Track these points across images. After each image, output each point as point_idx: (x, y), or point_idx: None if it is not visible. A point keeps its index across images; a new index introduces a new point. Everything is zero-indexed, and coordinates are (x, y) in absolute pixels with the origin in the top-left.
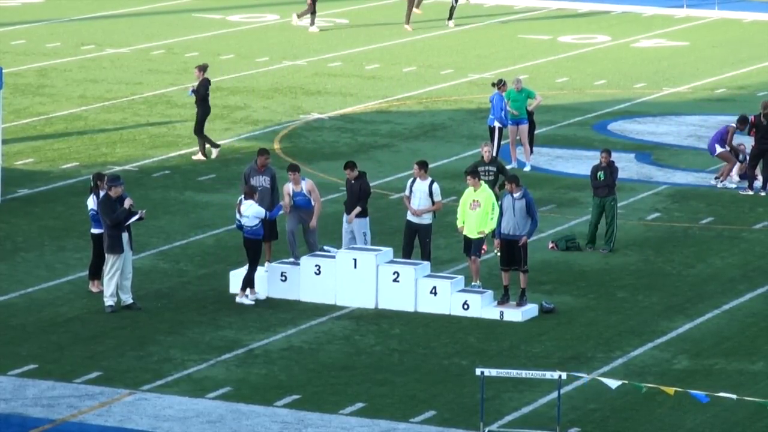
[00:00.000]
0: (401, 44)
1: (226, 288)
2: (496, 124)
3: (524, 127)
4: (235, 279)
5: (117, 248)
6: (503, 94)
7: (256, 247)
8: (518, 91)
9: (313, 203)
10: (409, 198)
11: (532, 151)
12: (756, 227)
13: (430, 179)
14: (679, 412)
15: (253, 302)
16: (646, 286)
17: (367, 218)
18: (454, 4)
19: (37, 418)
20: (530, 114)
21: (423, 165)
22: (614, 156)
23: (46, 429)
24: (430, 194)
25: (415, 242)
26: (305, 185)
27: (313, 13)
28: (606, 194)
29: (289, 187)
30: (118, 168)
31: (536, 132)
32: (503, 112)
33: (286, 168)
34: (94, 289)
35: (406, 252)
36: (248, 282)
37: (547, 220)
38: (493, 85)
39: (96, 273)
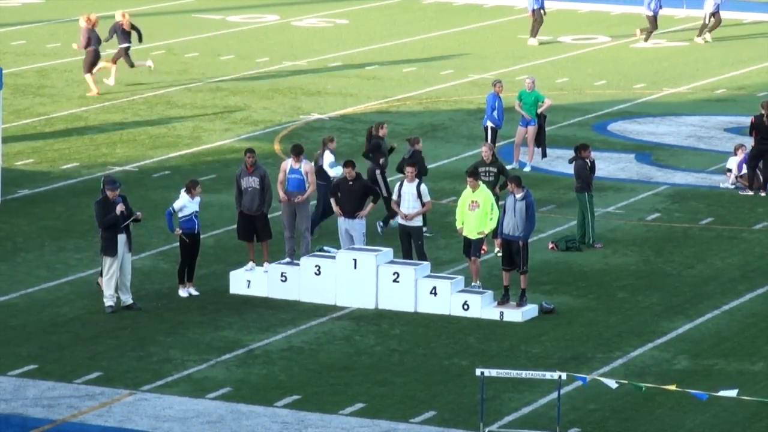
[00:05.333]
0: (401, 44)
1: (226, 288)
2: (489, 124)
3: (532, 129)
4: (235, 279)
5: (111, 250)
6: (498, 94)
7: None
8: (530, 91)
9: (307, 185)
10: (398, 203)
11: (545, 154)
12: (756, 227)
13: (417, 180)
14: (679, 412)
15: (187, 295)
16: (646, 286)
17: (365, 219)
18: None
19: (37, 418)
20: (542, 117)
21: (413, 166)
22: (615, 156)
23: (47, 429)
24: (419, 195)
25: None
26: (304, 166)
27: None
28: (576, 190)
29: (287, 164)
30: (118, 168)
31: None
32: (495, 112)
33: (291, 148)
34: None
35: (406, 256)
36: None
37: (546, 220)
38: (493, 84)
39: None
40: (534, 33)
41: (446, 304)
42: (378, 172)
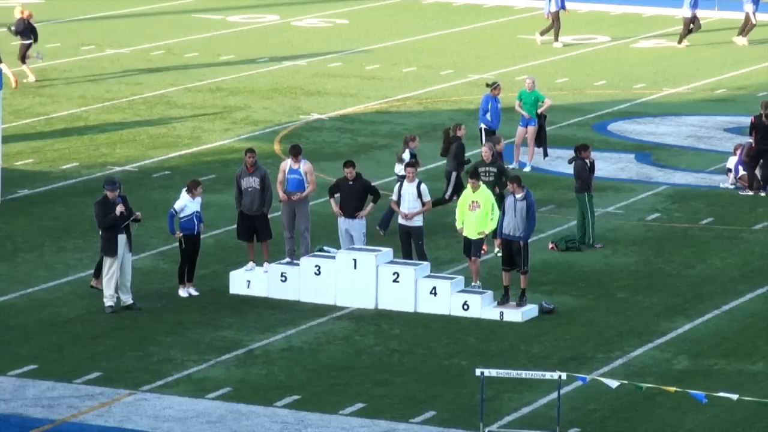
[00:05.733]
0: (401, 45)
1: (226, 288)
2: (482, 126)
3: (532, 129)
4: (235, 279)
5: (111, 251)
6: (494, 96)
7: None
8: (530, 91)
9: (307, 185)
10: (397, 202)
11: (547, 154)
12: (756, 228)
13: (417, 180)
14: (678, 412)
15: (187, 295)
16: (645, 286)
17: (365, 219)
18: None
19: (37, 418)
20: (542, 116)
21: (413, 166)
22: (615, 156)
23: (47, 429)
24: (419, 195)
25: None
26: (303, 166)
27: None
28: (576, 190)
29: (286, 164)
30: (118, 168)
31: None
32: (488, 114)
33: (289, 149)
34: (97, 285)
35: (405, 255)
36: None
37: (546, 220)
38: (487, 85)
39: (100, 271)
40: (556, 35)
41: (446, 304)
42: (455, 174)
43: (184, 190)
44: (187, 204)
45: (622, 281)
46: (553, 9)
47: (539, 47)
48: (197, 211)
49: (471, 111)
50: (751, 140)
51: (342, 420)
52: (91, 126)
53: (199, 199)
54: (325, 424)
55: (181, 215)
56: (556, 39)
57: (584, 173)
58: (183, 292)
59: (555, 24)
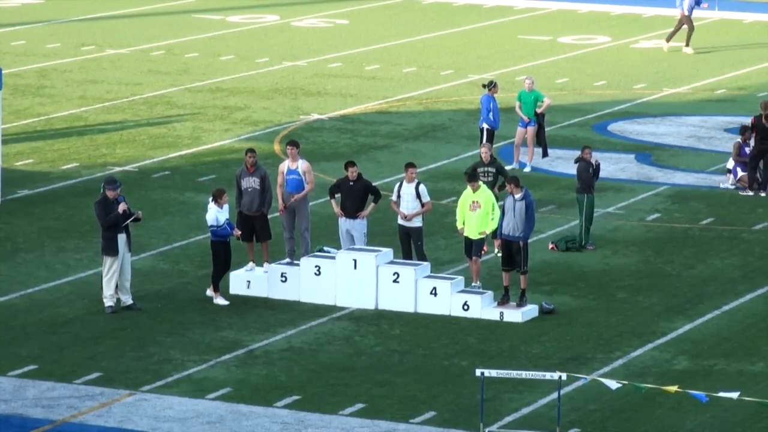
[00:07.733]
0: (401, 45)
1: (226, 289)
2: (485, 126)
3: (531, 129)
4: (235, 279)
5: (112, 250)
6: (493, 95)
7: (216, 248)
8: (529, 91)
9: (306, 184)
10: (396, 203)
11: (546, 154)
12: (756, 228)
13: (416, 180)
14: (679, 412)
15: (225, 303)
16: (646, 286)
17: (366, 220)
18: None
19: (37, 418)
20: (541, 116)
21: (414, 167)
22: (615, 156)
23: (47, 430)
24: (418, 196)
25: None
26: (301, 165)
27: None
28: (576, 191)
29: (284, 166)
30: (118, 169)
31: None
32: (490, 113)
33: (286, 142)
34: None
35: (405, 256)
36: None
37: (546, 220)
38: (484, 86)
39: None
40: (687, 41)
41: (446, 305)
42: None
43: (210, 200)
44: (216, 215)
45: (622, 281)
46: (686, 12)
47: (538, 47)
48: (228, 219)
49: (471, 111)
50: (739, 139)
51: (342, 420)
52: (92, 126)
53: (226, 207)
54: (325, 425)
55: (214, 225)
56: (687, 44)
57: (585, 175)
58: (221, 300)
59: (687, 26)
